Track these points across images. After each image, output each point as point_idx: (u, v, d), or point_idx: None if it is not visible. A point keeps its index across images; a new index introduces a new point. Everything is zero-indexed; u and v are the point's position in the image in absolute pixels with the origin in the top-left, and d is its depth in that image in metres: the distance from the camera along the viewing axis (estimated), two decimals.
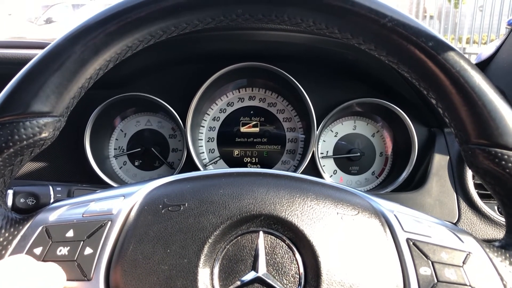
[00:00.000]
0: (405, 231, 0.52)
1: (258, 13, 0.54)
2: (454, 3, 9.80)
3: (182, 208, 0.51)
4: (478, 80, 0.50)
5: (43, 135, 0.53)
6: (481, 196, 1.08)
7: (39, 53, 0.53)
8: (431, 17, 9.91)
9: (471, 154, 0.52)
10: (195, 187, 0.55)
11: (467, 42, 8.47)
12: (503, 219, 1.05)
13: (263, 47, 1.18)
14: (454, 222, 1.07)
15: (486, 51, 1.24)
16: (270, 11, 0.53)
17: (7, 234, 0.51)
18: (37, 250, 0.50)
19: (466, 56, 0.51)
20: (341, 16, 0.52)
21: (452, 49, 0.51)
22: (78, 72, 0.53)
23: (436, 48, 0.50)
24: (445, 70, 0.50)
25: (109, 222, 0.52)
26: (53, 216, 0.54)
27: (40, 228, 0.52)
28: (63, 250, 0.50)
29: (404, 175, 1.19)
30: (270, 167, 1.34)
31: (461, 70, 0.50)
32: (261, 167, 1.34)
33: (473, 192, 1.08)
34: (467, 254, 0.50)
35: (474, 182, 1.10)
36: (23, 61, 1.03)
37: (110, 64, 0.56)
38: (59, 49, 0.52)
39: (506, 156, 0.50)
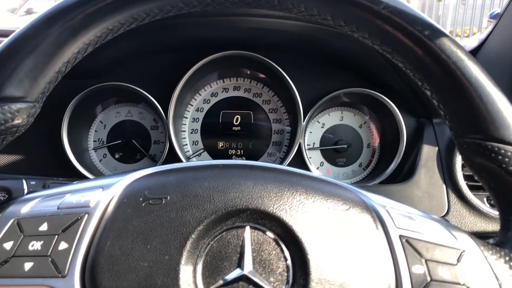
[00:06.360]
0: (398, 228, 0.50)
1: None
2: None
3: (164, 201, 0.49)
4: (475, 71, 0.49)
5: (16, 121, 0.50)
6: (471, 188, 1.08)
7: None
8: None
9: (467, 148, 0.51)
10: (178, 180, 0.52)
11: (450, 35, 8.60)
12: (493, 211, 1.05)
13: (249, 35, 1.14)
14: (443, 214, 1.07)
15: (469, 44, 1.23)
16: None
17: None
18: (7, 245, 0.47)
19: None
20: (334, 1, 0.50)
21: (448, 38, 0.49)
22: (55, 55, 0.50)
23: (432, 37, 0.49)
24: (441, 61, 0.49)
25: (86, 215, 0.49)
26: (25, 208, 0.51)
27: (11, 221, 0.49)
28: (35, 245, 0.47)
29: (392, 166, 1.18)
30: (256, 159, 1.31)
31: (458, 60, 0.48)
32: (246, 160, 1.31)
33: (462, 184, 1.08)
34: (461, 252, 0.49)
35: (463, 173, 1.09)
36: None
37: (89, 47, 0.53)
38: (34, 31, 0.49)
39: (502, 151, 0.48)
